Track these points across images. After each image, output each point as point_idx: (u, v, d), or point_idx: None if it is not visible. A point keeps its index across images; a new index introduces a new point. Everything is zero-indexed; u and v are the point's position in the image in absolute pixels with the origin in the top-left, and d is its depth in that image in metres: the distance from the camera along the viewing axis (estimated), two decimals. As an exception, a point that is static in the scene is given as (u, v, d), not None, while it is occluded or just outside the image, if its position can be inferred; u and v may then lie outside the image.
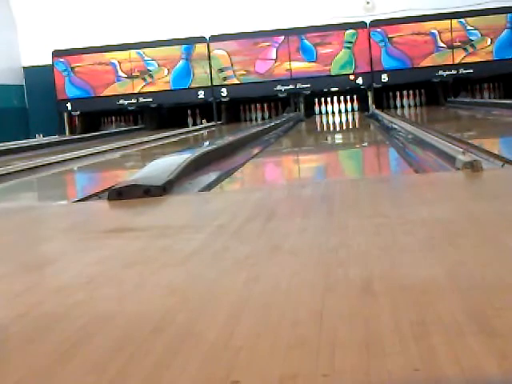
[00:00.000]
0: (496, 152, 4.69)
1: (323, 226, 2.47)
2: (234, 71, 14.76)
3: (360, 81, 14.40)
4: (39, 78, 15.32)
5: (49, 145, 11.63)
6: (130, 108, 15.21)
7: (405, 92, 14.74)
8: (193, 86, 14.84)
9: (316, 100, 14.85)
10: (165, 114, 15.53)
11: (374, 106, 14.13)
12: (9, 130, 14.30)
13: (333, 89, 14.59)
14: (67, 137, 14.08)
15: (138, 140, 10.50)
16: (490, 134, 7.30)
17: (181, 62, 14.87)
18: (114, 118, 15.71)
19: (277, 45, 14.67)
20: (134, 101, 15.04)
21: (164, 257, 2.18)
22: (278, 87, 14.62)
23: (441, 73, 14.31)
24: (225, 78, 14.78)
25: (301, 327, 1.39)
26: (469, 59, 14.31)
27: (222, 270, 1.95)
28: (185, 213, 3.14)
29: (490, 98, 14.56)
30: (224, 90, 14.71)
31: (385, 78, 14.34)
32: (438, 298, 1.49)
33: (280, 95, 14.72)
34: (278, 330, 1.39)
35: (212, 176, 4.76)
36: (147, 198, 3.44)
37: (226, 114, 14.86)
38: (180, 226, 2.71)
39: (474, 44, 14.31)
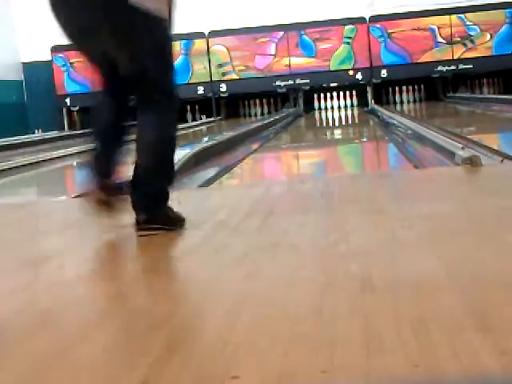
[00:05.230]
0: (495, 147, 4.69)
1: (323, 222, 2.47)
2: (233, 67, 14.74)
3: (359, 76, 14.38)
4: (38, 73, 15.28)
5: (48, 140, 11.61)
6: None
7: (404, 87, 14.71)
8: (192, 81, 14.81)
9: (315, 95, 14.83)
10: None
11: (373, 102, 14.11)
12: (8, 125, 14.27)
13: (332, 84, 14.56)
14: (66, 132, 14.05)
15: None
16: (489, 129, 7.29)
17: (180, 58, 14.84)
18: (113, 113, 15.66)
19: (276, 40, 14.64)
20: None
21: (163, 252, 2.18)
22: (278, 83, 14.59)
23: (440, 68, 14.29)
24: (224, 74, 14.76)
25: (300, 323, 1.39)
26: (468, 54, 14.29)
27: (221, 266, 1.95)
28: (184, 208, 3.14)
29: (489, 93, 14.54)
30: (223, 85, 14.69)
31: (384, 73, 14.32)
32: (438, 294, 1.49)
33: (279, 91, 14.70)
34: (277, 326, 1.40)
35: (211, 171, 4.77)
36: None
37: (225, 109, 14.84)
38: (179, 221, 2.71)
39: (474, 39, 14.28)
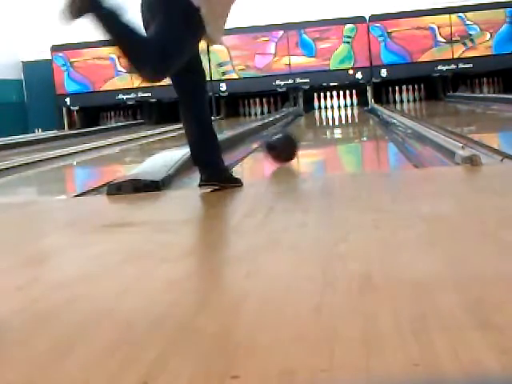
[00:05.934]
0: (495, 147, 4.68)
1: (323, 221, 2.47)
2: (233, 66, 14.73)
3: (359, 75, 14.38)
4: (38, 72, 15.28)
5: (47, 140, 11.61)
6: (129, 103, 15.18)
7: (404, 87, 14.70)
8: (192, 80, 14.79)
9: (315, 95, 14.82)
10: (164, 108, 15.49)
11: (373, 101, 14.11)
12: (7, 124, 14.27)
13: (332, 83, 14.56)
14: (66, 132, 14.06)
15: (137, 135, 10.49)
16: (489, 128, 7.29)
17: (180, 57, 14.81)
18: (113, 112, 15.68)
19: (276, 39, 14.64)
20: (133, 95, 15.00)
21: (163, 251, 2.18)
22: (277, 82, 14.59)
23: (440, 67, 14.29)
24: (224, 73, 14.75)
25: (300, 322, 1.39)
26: (468, 54, 14.29)
27: (221, 265, 1.95)
28: (184, 207, 3.14)
29: (489, 92, 14.54)
30: (223, 84, 14.69)
31: (384, 72, 14.31)
32: (438, 294, 1.49)
33: (279, 90, 14.70)
34: (277, 325, 1.40)
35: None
36: (146, 192, 3.44)
37: (225, 108, 14.83)
38: (179, 220, 2.71)
39: (474, 39, 14.28)
